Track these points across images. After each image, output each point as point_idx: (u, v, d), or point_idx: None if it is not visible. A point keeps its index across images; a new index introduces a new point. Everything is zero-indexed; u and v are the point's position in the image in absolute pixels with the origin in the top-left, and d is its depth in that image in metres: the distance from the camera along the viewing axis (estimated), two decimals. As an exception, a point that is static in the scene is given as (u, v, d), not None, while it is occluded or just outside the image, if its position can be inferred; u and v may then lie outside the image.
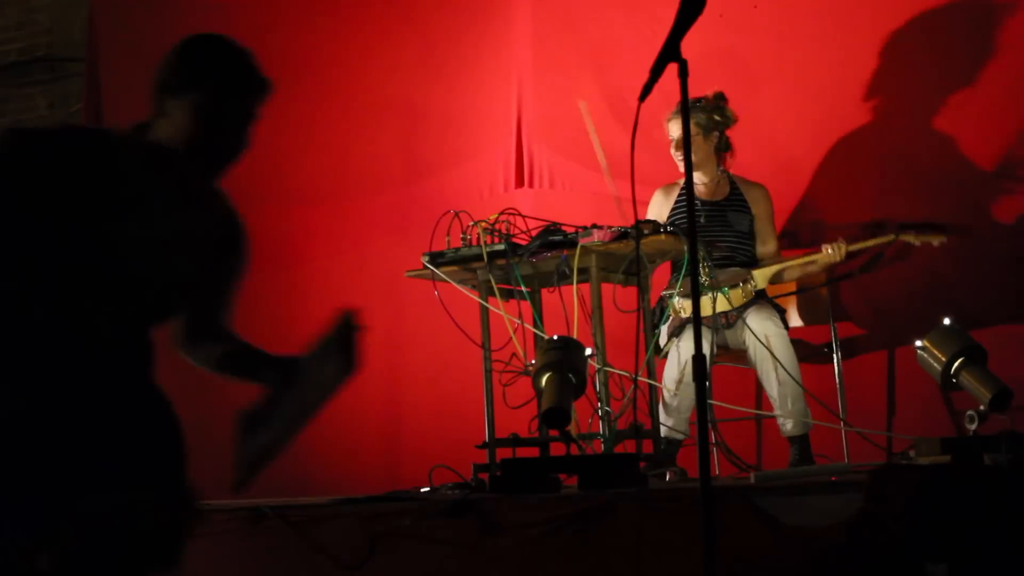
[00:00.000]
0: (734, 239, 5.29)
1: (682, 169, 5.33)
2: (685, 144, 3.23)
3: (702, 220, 5.28)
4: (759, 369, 5.01)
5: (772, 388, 4.98)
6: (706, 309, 4.95)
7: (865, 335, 5.35)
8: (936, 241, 4.80)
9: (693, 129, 5.25)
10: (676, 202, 5.44)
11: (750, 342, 4.99)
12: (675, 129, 5.33)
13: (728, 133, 5.42)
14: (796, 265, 5.27)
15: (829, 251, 5.11)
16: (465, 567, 3.81)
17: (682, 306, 5.06)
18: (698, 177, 5.40)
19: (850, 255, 5.17)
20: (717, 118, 5.31)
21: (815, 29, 5.78)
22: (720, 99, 5.34)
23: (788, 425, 4.99)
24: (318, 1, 6.97)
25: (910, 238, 4.94)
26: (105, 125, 7.36)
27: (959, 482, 3.41)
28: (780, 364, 4.91)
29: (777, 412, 4.98)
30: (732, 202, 5.40)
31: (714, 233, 5.27)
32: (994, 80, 5.38)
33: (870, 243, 5.17)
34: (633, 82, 3.46)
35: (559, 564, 3.67)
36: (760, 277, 5.12)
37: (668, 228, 4.66)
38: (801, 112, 5.79)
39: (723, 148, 5.42)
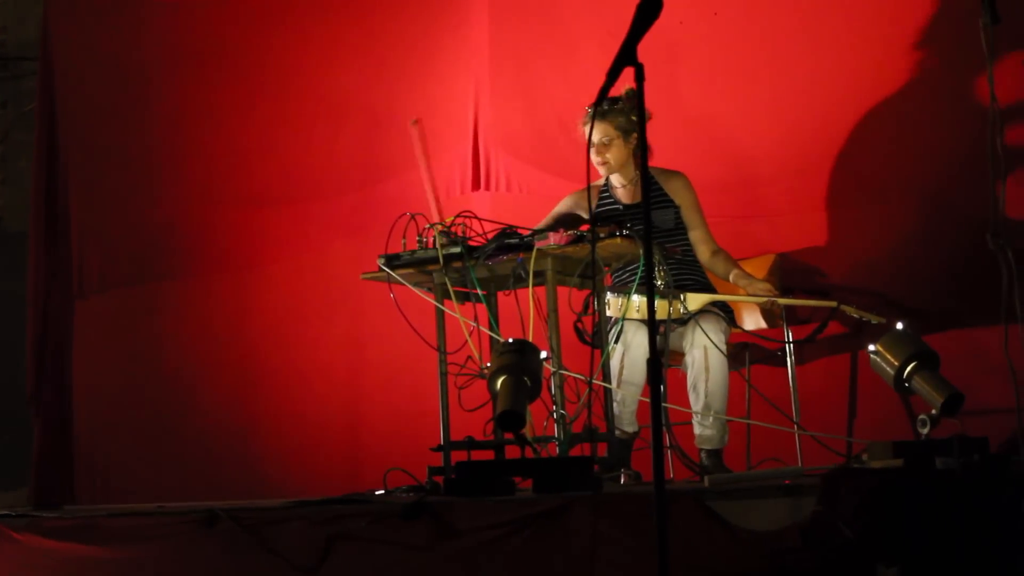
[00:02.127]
0: (661, 239, 5.19)
1: (603, 173, 5.32)
2: (642, 148, 3.26)
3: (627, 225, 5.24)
4: (690, 375, 5.00)
5: (699, 397, 4.97)
6: (642, 312, 4.94)
7: (826, 339, 5.37)
8: (875, 320, 4.75)
9: (613, 133, 5.19)
10: (598, 207, 5.37)
11: (690, 349, 4.98)
12: (595, 133, 5.21)
13: (683, 132, 5.39)
14: (731, 297, 5.23)
15: (762, 299, 5.09)
16: (420, 569, 3.81)
17: (617, 305, 4.99)
18: (616, 179, 5.38)
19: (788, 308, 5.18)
20: (634, 118, 5.15)
21: (779, 30, 5.80)
22: (633, 96, 5.14)
23: (706, 434, 4.98)
24: (276, 4, 6.95)
25: (850, 310, 4.91)
26: (58, 124, 7.33)
27: (911, 486, 3.44)
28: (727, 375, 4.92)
29: (696, 421, 4.97)
30: (654, 199, 5.27)
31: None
32: (956, 76, 5.39)
33: (810, 303, 5.17)
34: (590, 84, 3.48)
35: (513, 567, 3.67)
36: (692, 301, 5.05)
37: (624, 232, 4.66)
38: (759, 112, 5.82)
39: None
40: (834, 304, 4.89)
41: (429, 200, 5.57)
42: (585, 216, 5.34)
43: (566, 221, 5.27)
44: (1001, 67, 4.82)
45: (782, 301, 5.12)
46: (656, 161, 5.32)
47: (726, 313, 5.15)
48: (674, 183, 5.34)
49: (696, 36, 5.93)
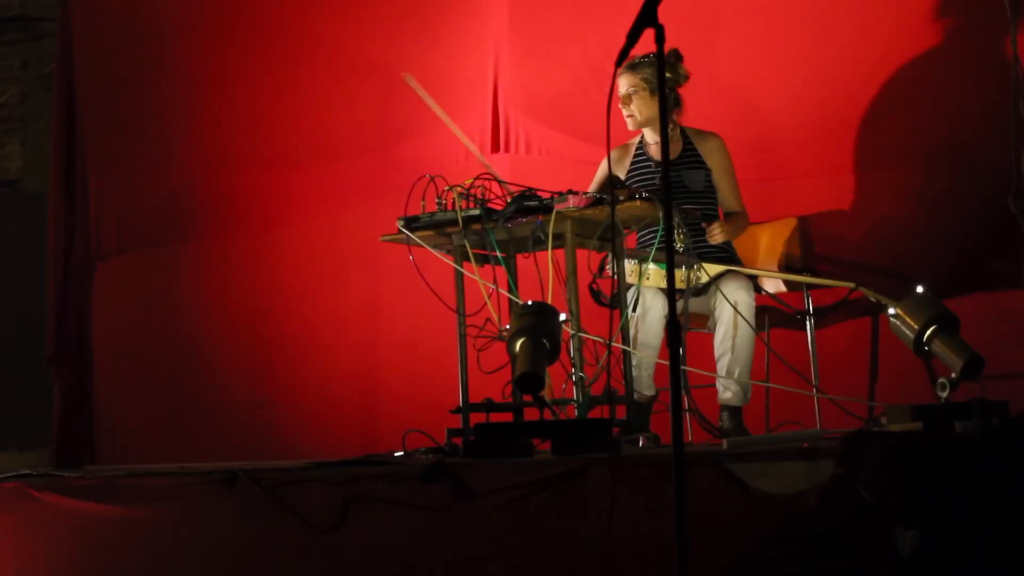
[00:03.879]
0: (690, 201, 5.19)
1: (630, 126, 5.31)
2: (662, 115, 3.25)
3: (656, 182, 5.23)
4: (717, 333, 5.00)
5: (725, 356, 4.97)
6: (657, 280, 4.95)
7: (846, 302, 5.35)
8: (891, 305, 4.72)
9: (640, 85, 5.20)
10: (631, 165, 5.41)
11: (720, 307, 4.97)
12: (622, 85, 5.24)
13: (709, 93, 5.37)
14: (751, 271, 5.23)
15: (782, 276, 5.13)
16: (438, 531, 3.82)
17: (634, 270, 4.99)
18: (649, 135, 5.37)
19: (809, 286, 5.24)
20: (668, 75, 5.13)
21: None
22: (674, 56, 5.17)
23: (728, 393, 4.98)
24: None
25: (868, 293, 4.89)
26: (76, 86, 7.32)
27: (930, 449, 3.43)
28: (753, 330, 4.92)
29: (721, 377, 4.98)
30: (686, 159, 5.30)
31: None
32: (980, 39, 5.34)
33: (828, 283, 5.16)
34: (611, 46, 3.46)
35: (531, 528, 3.68)
36: (710, 271, 5.03)
37: (643, 195, 4.65)
38: (783, 75, 5.79)
39: (673, 105, 5.27)
40: (852, 285, 4.89)
41: (464, 141, 5.51)
42: (621, 175, 5.34)
43: (614, 184, 5.23)
44: (1024, 29, 4.79)
45: (800, 279, 5.12)
46: (684, 121, 5.32)
47: (750, 277, 5.15)
48: (709, 144, 5.33)
49: (727, 1, 5.90)
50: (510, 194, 4.78)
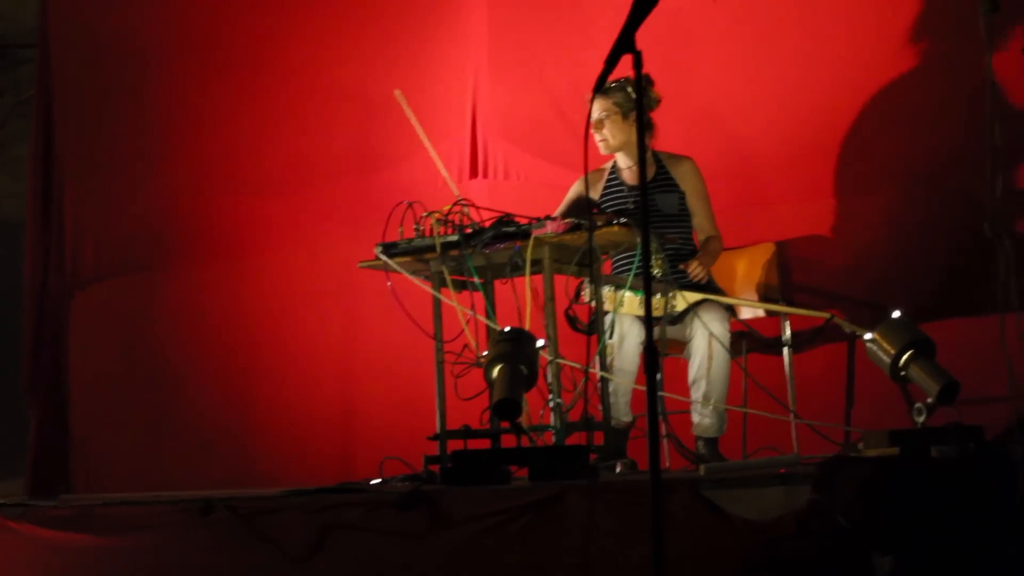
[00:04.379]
0: (663, 224, 5.20)
1: (602, 150, 5.32)
2: (639, 140, 3.26)
3: (629, 206, 5.24)
4: (692, 363, 5.00)
5: (699, 386, 4.97)
6: (632, 308, 4.94)
7: (822, 327, 5.36)
8: (867, 336, 4.72)
9: (612, 109, 5.22)
10: (605, 189, 5.41)
11: (695, 337, 4.98)
12: (595, 110, 5.25)
13: (685, 118, 5.39)
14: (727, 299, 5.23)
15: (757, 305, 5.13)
16: (415, 559, 3.80)
17: (611, 298, 4.98)
18: (622, 160, 5.38)
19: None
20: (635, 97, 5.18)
21: (781, 19, 5.80)
22: (645, 81, 5.14)
23: (705, 422, 4.98)
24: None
25: (844, 325, 4.90)
26: (55, 113, 7.31)
27: (906, 474, 3.44)
28: (735, 361, 4.92)
29: (695, 408, 4.98)
30: (659, 183, 5.29)
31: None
32: (956, 65, 5.37)
33: (803, 312, 5.17)
34: (589, 72, 3.47)
35: (509, 556, 3.66)
36: (685, 300, 5.01)
37: (622, 220, 4.66)
38: (760, 100, 5.81)
39: (645, 129, 5.25)
40: (828, 316, 4.90)
41: (439, 166, 5.51)
42: (595, 198, 5.35)
43: (582, 207, 5.25)
44: (1000, 56, 4.80)
45: (777, 309, 5.14)
46: (658, 146, 5.33)
47: (728, 308, 5.16)
48: (682, 168, 5.34)
49: (701, 25, 5.93)
50: (484, 220, 4.78)
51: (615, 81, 5.16)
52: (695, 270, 5.11)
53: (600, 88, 3.39)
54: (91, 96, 7.29)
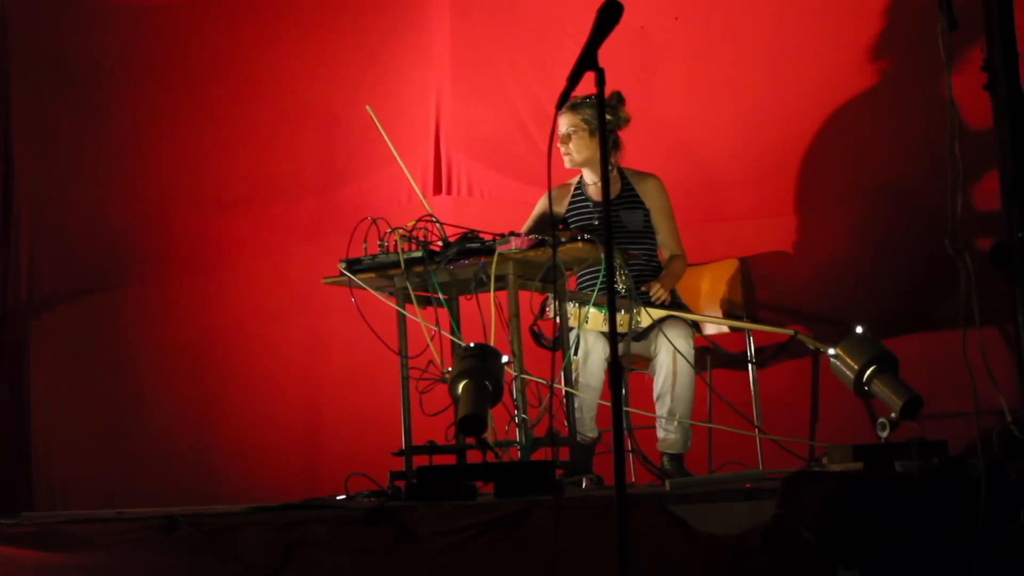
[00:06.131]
0: (627, 240, 5.23)
1: (567, 164, 5.33)
2: (603, 158, 3.27)
3: (595, 222, 5.26)
4: (657, 379, 5.02)
5: (664, 401, 4.99)
6: (597, 324, 4.94)
7: (785, 343, 5.39)
8: (831, 351, 4.73)
9: (580, 125, 5.23)
10: (570, 205, 5.43)
11: (659, 353, 4.99)
12: (562, 124, 5.26)
13: (649, 135, 5.41)
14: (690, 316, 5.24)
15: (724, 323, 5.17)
16: (381, 575, 3.79)
17: (575, 313, 4.99)
18: (587, 176, 5.40)
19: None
20: (609, 117, 5.16)
21: (743, 36, 5.83)
22: (616, 99, 5.21)
23: (670, 438, 5.00)
24: (238, 8, 6.92)
25: (807, 341, 4.92)
26: (13, 128, 7.26)
27: (870, 489, 3.45)
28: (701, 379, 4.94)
29: (660, 423, 4.99)
30: (624, 200, 5.32)
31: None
32: (917, 81, 5.41)
33: (766, 329, 5.20)
34: (552, 88, 3.49)
35: (475, 572, 3.66)
36: (649, 316, 5.02)
37: (585, 236, 4.67)
38: (724, 117, 5.84)
39: (612, 147, 5.26)
40: (791, 332, 4.93)
41: (411, 181, 5.50)
42: (561, 213, 5.36)
43: (547, 223, 5.26)
44: (959, 72, 4.85)
45: (741, 326, 5.16)
46: (624, 163, 5.35)
47: (693, 325, 5.18)
48: (647, 185, 5.36)
49: (665, 42, 5.96)
50: (449, 236, 4.78)
51: (586, 97, 5.17)
52: (657, 292, 5.12)
53: (563, 105, 3.41)
54: (51, 111, 7.26)
